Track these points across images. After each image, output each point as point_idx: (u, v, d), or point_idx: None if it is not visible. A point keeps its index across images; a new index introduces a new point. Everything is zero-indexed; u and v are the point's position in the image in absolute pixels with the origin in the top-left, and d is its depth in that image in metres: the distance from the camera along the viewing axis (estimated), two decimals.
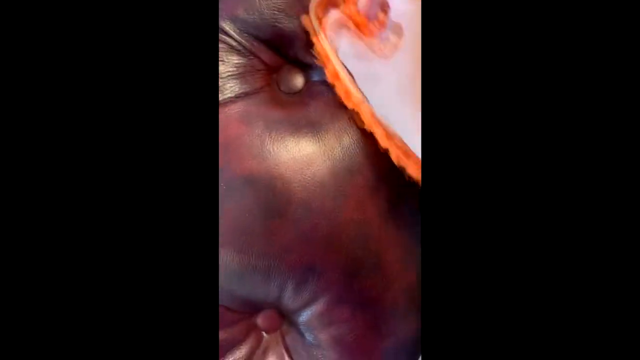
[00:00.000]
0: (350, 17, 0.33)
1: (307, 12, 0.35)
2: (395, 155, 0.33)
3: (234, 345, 0.38)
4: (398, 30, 0.29)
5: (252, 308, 0.38)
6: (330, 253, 0.35)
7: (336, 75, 0.34)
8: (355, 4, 0.32)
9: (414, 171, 0.33)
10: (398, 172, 0.36)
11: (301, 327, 0.38)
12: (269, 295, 0.36)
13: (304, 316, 0.37)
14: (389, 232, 0.36)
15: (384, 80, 0.28)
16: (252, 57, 0.37)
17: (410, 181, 0.33)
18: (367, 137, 0.36)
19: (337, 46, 0.33)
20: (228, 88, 0.36)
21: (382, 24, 0.30)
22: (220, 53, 0.37)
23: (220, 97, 0.36)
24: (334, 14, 0.32)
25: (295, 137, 0.35)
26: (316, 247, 0.35)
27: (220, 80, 0.37)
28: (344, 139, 0.36)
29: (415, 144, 0.29)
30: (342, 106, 0.36)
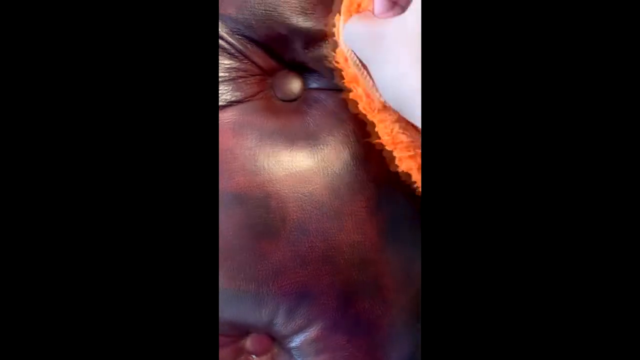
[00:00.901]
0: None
1: (335, 13, 0.31)
2: (415, 176, 0.30)
3: None
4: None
5: (241, 332, 0.36)
6: (326, 276, 0.32)
7: (354, 78, 0.30)
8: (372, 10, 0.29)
9: None
10: (400, 190, 0.34)
11: (293, 352, 0.36)
12: (259, 320, 0.34)
13: (296, 341, 0.35)
14: (387, 254, 0.34)
15: (389, 37, 0.26)
16: (245, 61, 0.34)
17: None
18: (370, 152, 0.33)
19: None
20: (219, 94, 0.33)
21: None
22: None
23: None
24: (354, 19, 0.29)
25: (291, 150, 0.33)
26: (311, 270, 0.32)
27: None
28: (344, 153, 0.33)
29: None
30: (342, 117, 0.34)
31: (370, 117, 0.30)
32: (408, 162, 0.30)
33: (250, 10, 0.33)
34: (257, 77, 0.35)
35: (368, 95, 0.29)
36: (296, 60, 0.35)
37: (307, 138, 0.33)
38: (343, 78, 0.30)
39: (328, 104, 0.34)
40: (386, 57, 0.26)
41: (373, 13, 0.28)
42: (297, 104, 0.35)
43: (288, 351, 0.36)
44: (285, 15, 0.34)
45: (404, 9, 0.27)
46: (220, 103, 0.34)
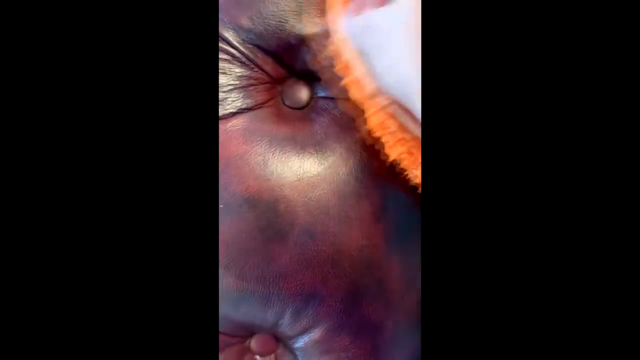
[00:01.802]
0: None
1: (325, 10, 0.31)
2: (406, 164, 0.30)
3: None
4: None
5: (246, 332, 0.37)
6: (332, 279, 0.34)
7: (347, 66, 0.30)
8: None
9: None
10: (406, 194, 0.35)
11: (297, 352, 0.37)
12: (265, 321, 0.35)
13: (301, 342, 0.36)
14: (392, 258, 0.35)
15: (380, 29, 0.26)
16: (256, 69, 0.36)
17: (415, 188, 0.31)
18: (376, 159, 0.34)
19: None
20: (230, 102, 0.35)
21: None
22: (222, 64, 0.35)
23: (222, 111, 0.34)
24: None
25: (300, 157, 0.34)
26: (318, 273, 0.33)
27: (222, 92, 0.35)
28: (351, 160, 0.34)
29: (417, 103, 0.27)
30: (349, 125, 0.35)
31: (360, 104, 0.30)
32: (397, 148, 0.30)
33: (263, 21, 0.34)
34: (267, 85, 0.36)
35: (358, 83, 0.29)
36: (305, 69, 0.36)
37: (315, 145, 0.34)
38: (335, 66, 0.31)
39: (335, 112, 0.36)
40: (379, 47, 0.26)
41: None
42: (306, 112, 0.36)
43: (292, 352, 0.37)
44: (295, 26, 0.35)
45: None
46: (231, 110, 0.35)
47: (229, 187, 0.33)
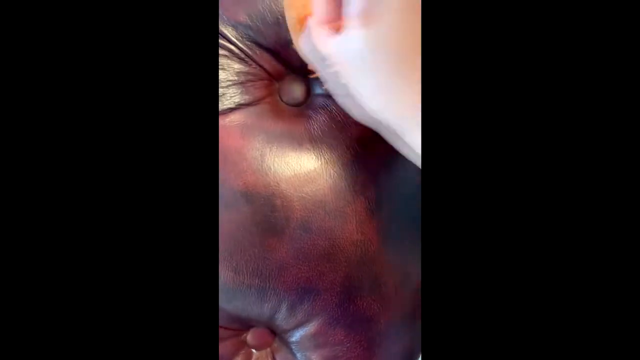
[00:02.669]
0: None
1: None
2: None
3: None
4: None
5: (242, 325, 0.37)
6: (327, 274, 0.34)
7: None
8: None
9: None
10: (401, 190, 0.35)
11: (292, 346, 0.37)
12: (261, 314, 0.35)
13: (296, 336, 0.36)
14: (387, 252, 0.35)
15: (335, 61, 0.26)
16: (254, 65, 0.36)
17: None
18: (371, 156, 0.35)
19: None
20: (228, 97, 0.35)
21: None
22: (221, 60, 0.35)
23: (220, 106, 0.35)
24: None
25: (297, 152, 0.34)
26: (314, 267, 0.34)
27: (220, 88, 0.35)
28: (347, 156, 0.35)
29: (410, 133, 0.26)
30: (345, 121, 0.35)
31: None
32: None
33: (261, 18, 0.35)
34: (265, 81, 0.36)
35: None
36: (302, 66, 0.37)
37: (312, 141, 0.35)
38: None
39: (332, 109, 0.36)
40: (334, 81, 0.26)
41: (317, 20, 0.27)
42: (303, 109, 0.37)
43: (287, 345, 0.37)
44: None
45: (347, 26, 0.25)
46: (229, 106, 0.35)
47: (226, 182, 0.33)
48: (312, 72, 0.35)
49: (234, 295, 0.34)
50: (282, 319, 0.35)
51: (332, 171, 0.34)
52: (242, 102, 0.35)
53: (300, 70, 0.37)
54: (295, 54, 0.36)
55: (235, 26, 0.35)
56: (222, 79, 0.35)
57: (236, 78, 0.35)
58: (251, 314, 0.35)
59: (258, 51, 0.36)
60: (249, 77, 0.36)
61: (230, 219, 0.33)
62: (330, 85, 0.29)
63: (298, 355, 0.37)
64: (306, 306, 0.34)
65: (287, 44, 0.34)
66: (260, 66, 0.36)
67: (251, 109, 0.35)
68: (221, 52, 0.35)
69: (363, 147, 0.35)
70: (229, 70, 0.35)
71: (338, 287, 0.34)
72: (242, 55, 0.36)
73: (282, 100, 0.37)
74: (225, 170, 0.33)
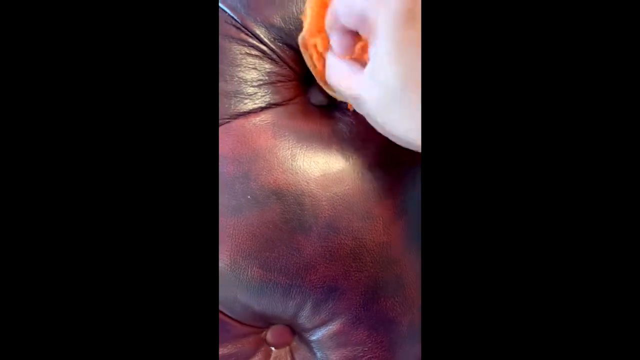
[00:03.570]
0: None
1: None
2: None
3: (243, 359, 0.37)
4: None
5: (264, 323, 0.38)
6: (353, 273, 0.34)
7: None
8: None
9: None
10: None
11: (313, 345, 0.37)
12: (285, 312, 0.35)
13: (318, 335, 0.37)
14: (411, 255, 0.36)
15: (363, 98, 0.26)
16: (285, 67, 0.37)
17: None
18: (399, 158, 0.35)
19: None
20: (259, 96, 0.36)
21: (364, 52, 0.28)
22: (253, 60, 0.36)
23: (251, 105, 0.35)
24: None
25: (326, 153, 0.35)
26: (340, 266, 0.34)
27: (252, 87, 0.36)
28: (375, 158, 0.35)
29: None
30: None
31: None
32: None
33: (294, 21, 0.36)
34: (295, 82, 0.37)
35: None
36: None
37: (340, 142, 0.35)
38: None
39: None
40: (368, 115, 0.27)
41: (335, 53, 0.29)
42: (331, 110, 0.37)
43: (308, 344, 0.38)
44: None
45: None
46: (260, 105, 0.36)
47: (257, 179, 0.33)
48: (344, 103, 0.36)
49: (261, 292, 0.34)
50: (305, 317, 0.36)
51: (359, 173, 0.35)
52: (273, 102, 0.36)
53: None
54: None
55: (267, 28, 0.36)
56: (254, 79, 0.36)
57: (267, 78, 0.36)
58: (275, 311, 0.35)
59: (289, 53, 0.37)
60: (280, 77, 0.36)
61: (260, 215, 0.33)
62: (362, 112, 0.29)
63: (318, 354, 0.37)
64: (330, 305, 0.35)
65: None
66: (291, 68, 0.37)
67: (281, 109, 0.36)
68: (254, 52, 0.36)
69: (390, 150, 0.35)
70: (260, 70, 0.36)
71: (363, 287, 0.35)
72: (274, 56, 0.36)
73: (310, 102, 0.38)
74: (257, 167, 0.33)
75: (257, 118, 0.35)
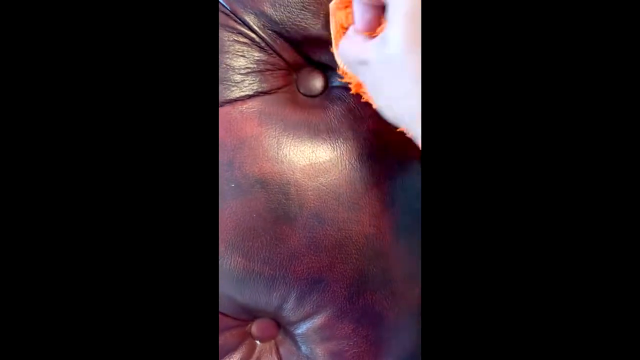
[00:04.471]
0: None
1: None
2: None
3: (226, 351, 0.36)
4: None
5: (249, 315, 0.37)
6: (338, 265, 0.34)
7: (360, 84, 0.33)
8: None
9: None
10: (414, 185, 0.35)
11: (298, 338, 0.37)
12: (269, 304, 0.35)
13: (303, 328, 0.36)
14: (399, 248, 0.35)
15: (372, 63, 0.27)
16: (274, 55, 0.36)
17: None
18: (387, 149, 0.35)
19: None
20: (247, 84, 0.35)
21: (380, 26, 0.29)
22: (241, 47, 0.35)
23: (238, 93, 0.35)
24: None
25: (313, 142, 0.34)
26: (325, 257, 0.33)
27: (239, 75, 0.35)
28: (363, 148, 0.35)
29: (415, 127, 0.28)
30: (361, 114, 0.35)
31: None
32: None
33: (285, 8, 0.35)
34: (283, 71, 0.36)
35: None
36: (321, 58, 0.37)
37: (328, 132, 0.35)
38: (350, 86, 0.33)
39: (349, 102, 0.36)
40: (374, 84, 0.27)
41: (357, 28, 0.29)
42: (320, 100, 0.37)
43: (293, 338, 0.37)
44: (317, 17, 0.35)
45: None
46: (247, 93, 0.35)
47: (242, 167, 0.33)
48: (343, 75, 0.35)
49: (244, 283, 0.34)
50: (289, 309, 0.35)
51: (347, 163, 0.34)
52: (260, 90, 0.35)
53: (319, 62, 0.37)
54: (315, 45, 0.36)
55: (257, 15, 0.35)
56: (242, 66, 0.35)
57: (255, 66, 0.36)
58: (259, 303, 0.35)
59: (279, 41, 0.36)
60: (268, 66, 0.36)
61: (244, 204, 0.33)
62: (368, 87, 0.29)
63: (303, 347, 0.37)
64: (315, 297, 0.34)
65: (318, 41, 0.35)
66: (280, 56, 0.36)
67: (269, 97, 0.35)
68: (242, 39, 0.35)
69: (379, 140, 0.35)
70: (248, 58, 0.35)
71: (348, 280, 0.34)
72: (263, 44, 0.36)
73: (299, 91, 0.37)
74: (242, 156, 0.33)
75: (244, 106, 0.34)
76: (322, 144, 0.34)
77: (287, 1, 0.35)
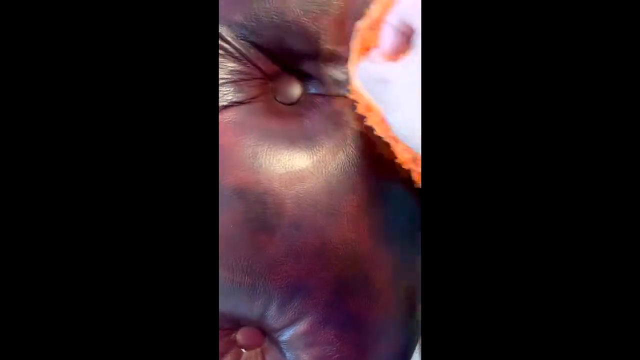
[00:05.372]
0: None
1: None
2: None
3: None
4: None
5: (232, 324, 0.37)
6: (318, 272, 0.34)
7: (369, 108, 0.31)
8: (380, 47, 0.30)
9: None
10: (395, 189, 0.35)
11: (282, 345, 0.37)
12: (251, 312, 0.35)
13: (286, 335, 0.36)
14: (379, 252, 0.35)
15: (394, 82, 0.27)
16: (248, 65, 0.36)
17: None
18: (364, 155, 0.35)
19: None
20: (222, 95, 0.35)
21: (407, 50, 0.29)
22: None
23: None
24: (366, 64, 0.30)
25: (290, 150, 0.34)
26: (305, 265, 0.34)
27: None
28: (340, 155, 0.35)
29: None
30: (339, 121, 0.36)
31: (386, 139, 0.31)
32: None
33: (257, 18, 0.35)
34: (259, 80, 0.37)
35: (383, 121, 0.30)
36: (297, 66, 0.37)
37: (305, 139, 0.35)
38: (356, 107, 0.32)
39: (326, 109, 0.36)
40: (393, 102, 0.28)
41: (382, 51, 0.29)
42: (296, 108, 0.37)
43: (277, 345, 0.37)
44: (290, 24, 0.36)
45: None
46: (223, 103, 0.35)
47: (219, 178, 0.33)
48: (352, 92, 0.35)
49: (225, 292, 0.34)
50: (272, 317, 0.35)
51: (324, 170, 0.34)
52: (235, 99, 0.35)
53: (296, 69, 0.37)
54: (289, 54, 0.36)
55: (230, 25, 0.36)
56: None
57: (230, 76, 0.36)
58: (241, 312, 0.35)
59: (253, 50, 0.36)
60: (243, 75, 0.36)
61: (222, 214, 0.33)
62: (383, 107, 0.29)
63: (288, 354, 0.37)
64: (296, 304, 0.34)
65: (291, 50, 0.34)
66: (255, 65, 0.36)
67: (244, 107, 0.35)
68: None
69: (356, 147, 0.35)
70: (223, 69, 0.36)
71: (329, 286, 0.34)
72: (237, 54, 0.36)
73: (276, 100, 0.37)
74: (218, 167, 0.33)
75: (220, 116, 0.35)
76: (299, 152, 0.34)
77: (257, 10, 0.35)
